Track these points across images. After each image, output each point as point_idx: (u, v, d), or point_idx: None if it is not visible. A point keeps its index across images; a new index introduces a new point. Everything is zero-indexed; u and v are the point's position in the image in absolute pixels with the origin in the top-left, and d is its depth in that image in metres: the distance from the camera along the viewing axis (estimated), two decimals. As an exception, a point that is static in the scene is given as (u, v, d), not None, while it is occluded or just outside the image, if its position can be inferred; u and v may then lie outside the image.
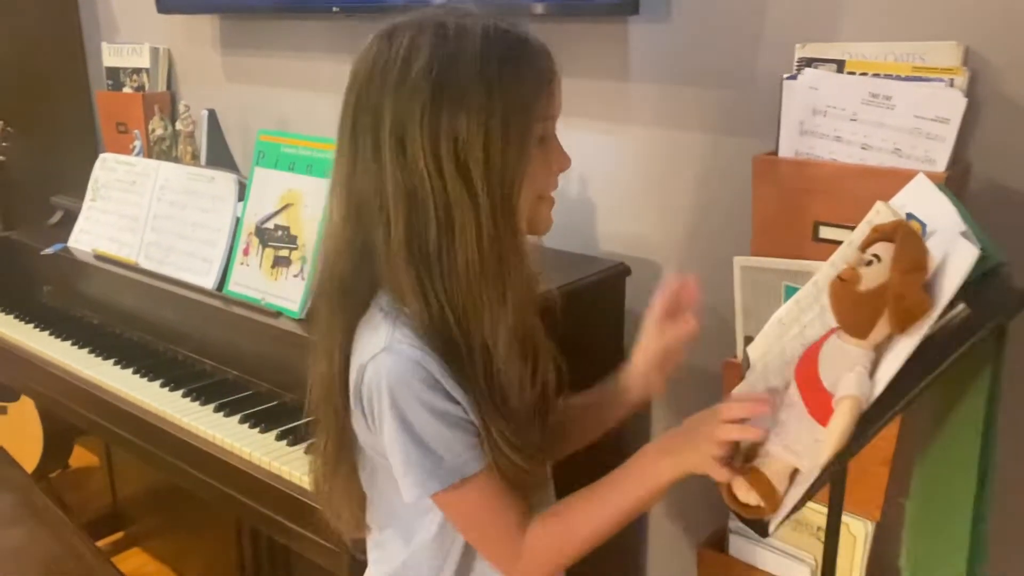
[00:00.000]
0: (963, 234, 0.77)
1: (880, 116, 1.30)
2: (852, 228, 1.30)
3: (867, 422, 0.73)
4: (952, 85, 1.24)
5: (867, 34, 1.37)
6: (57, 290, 2.13)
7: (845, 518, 1.37)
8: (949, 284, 0.71)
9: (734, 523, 1.50)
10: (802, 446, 0.77)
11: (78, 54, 3.01)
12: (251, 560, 2.09)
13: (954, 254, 0.73)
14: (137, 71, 2.70)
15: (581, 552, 0.92)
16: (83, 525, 2.53)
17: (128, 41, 2.72)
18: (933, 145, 1.26)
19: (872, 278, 0.74)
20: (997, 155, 1.30)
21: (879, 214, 1.06)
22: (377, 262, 0.86)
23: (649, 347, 1.06)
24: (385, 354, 0.84)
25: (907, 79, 1.28)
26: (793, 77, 1.35)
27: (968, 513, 0.86)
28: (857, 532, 1.37)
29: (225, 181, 1.77)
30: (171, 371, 1.72)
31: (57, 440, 2.62)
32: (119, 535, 2.57)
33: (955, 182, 1.25)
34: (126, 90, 2.71)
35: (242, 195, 1.73)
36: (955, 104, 1.23)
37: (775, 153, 1.38)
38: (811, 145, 1.35)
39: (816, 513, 1.38)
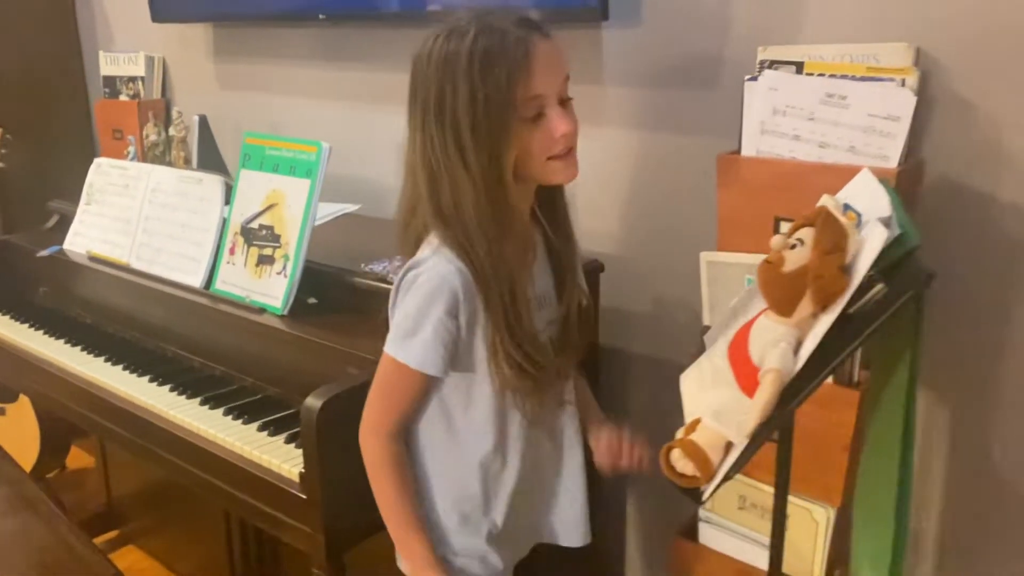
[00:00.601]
0: (881, 219, 0.82)
1: (836, 115, 1.34)
2: (811, 223, 1.37)
3: (792, 394, 0.78)
4: (904, 85, 1.29)
5: (826, 36, 1.42)
6: (52, 291, 2.19)
7: (806, 504, 1.42)
8: (863, 264, 0.76)
9: (704, 512, 1.54)
10: (732, 418, 0.82)
11: (76, 63, 3.08)
12: (240, 557, 2.14)
13: (870, 237, 0.78)
14: (133, 79, 2.76)
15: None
16: (79, 523, 2.61)
17: (124, 50, 2.78)
18: (886, 142, 1.30)
19: (795, 260, 0.79)
20: (948, 151, 1.35)
21: (824, 205, 1.11)
22: (421, 215, 1.10)
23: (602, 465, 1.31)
24: (433, 259, 1.08)
25: (861, 79, 1.33)
26: (754, 79, 1.40)
27: (892, 495, 0.91)
28: (819, 518, 1.41)
29: (212, 183, 1.82)
30: (160, 367, 1.77)
31: (54, 441, 2.66)
32: (114, 533, 2.62)
33: (908, 177, 1.30)
34: (122, 98, 2.77)
35: (229, 197, 1.78)
36: (906, 103, 1.27)
37: (738, 152, 1.43)
38: (772, 144, 1.40)
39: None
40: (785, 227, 1.41)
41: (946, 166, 1.36)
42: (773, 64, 1.43)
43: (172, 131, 2.37)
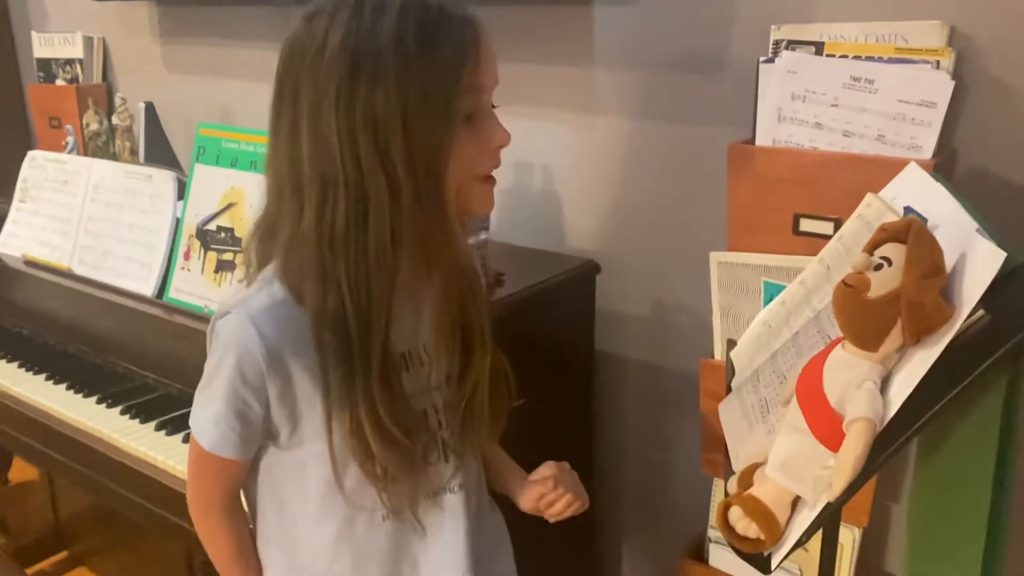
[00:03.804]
0: (979, 231, 0.69)
1: (862, 101, 1.23)
2: (834, 220, 1.25)
3: (880, 445, 0.65)
4: (937, 67, 1.18)
5: (845, 14, 1.30)
6: (-16, 299, 1.98)
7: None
8: (970, 290, 0.63)
9: (713, 532, 1.42)
10: (806, 471, 0.69)
11: (6, 44, 2.84)
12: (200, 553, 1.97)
13: (974, 255, 0.65)
14: (70, 62, 2.54)
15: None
16: (25, 546, 2.43)
17: (60, 30, 2.56)
18: (919, 131, 1.19)
19: (882, 284, 0.66)
20: (984, 141, 1.25)
21: (870, 207, 0.99)
22: (278, 241, 0.85)
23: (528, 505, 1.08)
24: (238, 312, 0.86)
25: (890, 61, 1.21)
26: (770, 60, 1.28)
27: (981, 525, 0.79)
28: (844, 540, 1.31)
29: (163, 179, 1.65)
30: (109, 386, 1.59)
31: (-7, 455, 2.47)
32: (62, 555, 2.43)
33: (941, 170, 1.19)
34: (59, 82, 2.55)
35: (182, 194, 1.61)
36: (942, 87, 1.16)
37: (752, 141, 1.31)
38: (790, 132, 1.29)
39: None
40: (806, 224, 1.31)
41: (981, 158, 1.25)
42: (790, 44, 1.30)
43: (116, 120, 2.16)
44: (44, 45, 2.58)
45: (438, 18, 0.79)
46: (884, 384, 0.68)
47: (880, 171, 1.06)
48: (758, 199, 1.30)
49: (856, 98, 1.23)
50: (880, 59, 1.23)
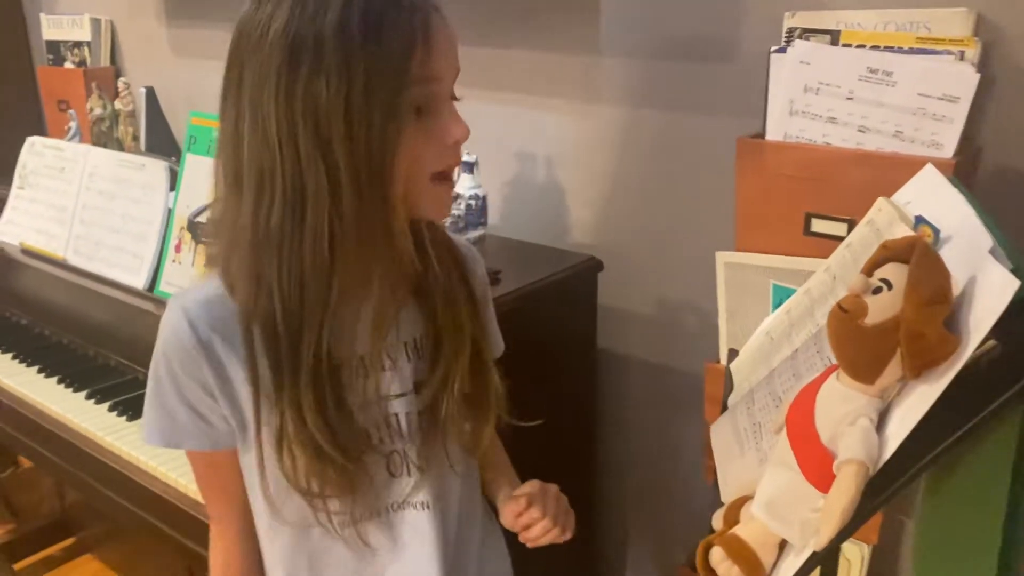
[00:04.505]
0: (992, 252, 0.62)
1: (879, 94, 1.15)
2: (847, 221, 1.18)
3: (874, 490, 0.58)
4: (962, 58, 1.10)
5: (864, 0, 1.21)
6: (-16, 287, 1.96)
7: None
8: (978, 320, 0.56)
9: (717, 543, 1.36)
10: (793, 513, 0.63)
11: (18, 26, 2.81)
12: (201, 569, 1.95)
13: (984, 281, 0.58)
14: (78, 44, 2.51)
15: None
16: (33, 531, 2.42)
17: (69, 12, 2.52)
18: (940, 127, 1.11)
19: (881, 310, 0.59)
20: (1011, 139, 1.16)
21: (881, 212, 0.91)
22: (221, 233, 0.81)
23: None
24: (173, 303, 0.83)
25: (910, 52, 1.13)
26: (782, 50, 1.20)
27: (994, 550, 0.72)
28: (853, 557, 1.25)
29: (156, 169, 1.60)
30: (99, 380, 1.57)
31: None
32: (70, 541, 2.43)
33: (963, 169, 1.12)
34: (67, 65, 2.52)
35: (175, 184, 1.56)
36: (966, 80, 1.08)
37: (761, 135, 1.24)
38: (802, 127, 1.21)
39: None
40: (817, 225, 1.24)
41: (1008, 157, 1.17)
42: (804, 33, 1.22)
43: (118, 104, 2.13)
44: (53, 27, 2.55)
45: (385, 2, 0.73)
46: (883, 419, 0.61)
47: (897, 170, 0.99)
48: (767, 197, 1.23)
49: (873, 91, 1.15)
50: (900, 49, 1.15)
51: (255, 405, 0.81)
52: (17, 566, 2.32)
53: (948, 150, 1.11)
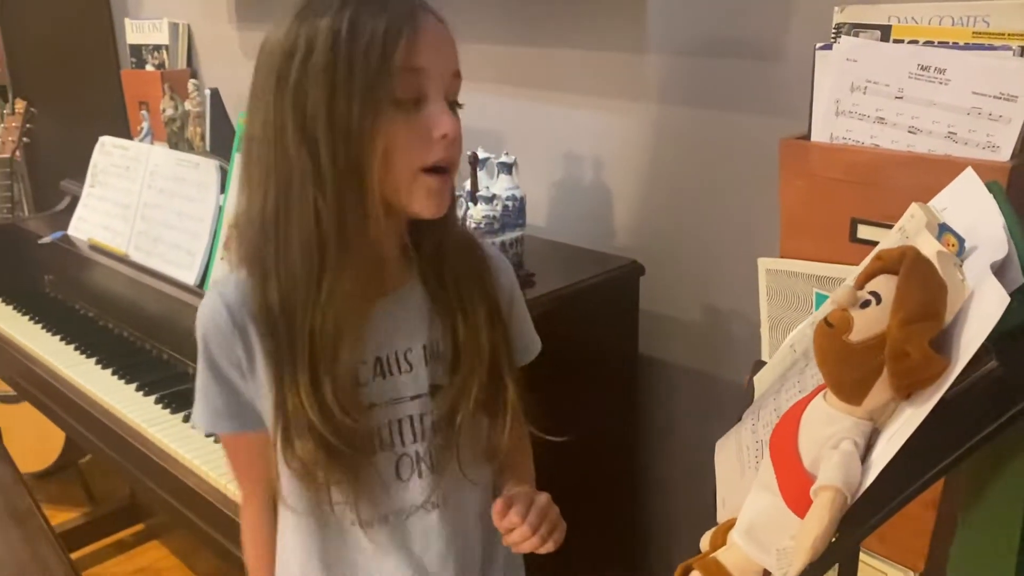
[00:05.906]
0: (1004, 264, 0.56)
1: (932, 93, 1.08)
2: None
3: (858, 520, 0.54)
4: (1021, 54, 1.02)
5: (919, -8, 1.14)
6: (58, 280, 2.05)
7: (884, 566, 1.18)
8: (969, 338, 0.51)
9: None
10: (771, 540, 0.58)
11: (107, 31, 2.92)
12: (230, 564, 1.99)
13: (980, 297, 0.53)
14: (158, 48, 2.60)
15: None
16: (105, 515, 2.52)
17: (151, 16, 2.62)
18: (996, 128, 1.04)
19: (867, 325, 0.54)
20: (1077, 140, 1.06)
21: (913, 219, 0.86)
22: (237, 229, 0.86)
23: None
24: (211, 290, 0.89)
25: (965, 47, 1.06)
26: (827, 47, 1.14)
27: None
28: (897, 584, 1.17)
29: (208, 168, 1.64)
30: (150, 373, 1.61)
31: (82, 427, 2.57)
32: (139, 527, 2.52)
33: (1021, 174, 1.03)
34: (148, 68, 2.62)
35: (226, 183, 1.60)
36: (1024, 78, 1.00)
37: (807, 136, 1.18)
38: (849, 128, 1.15)
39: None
40: (864, 231, 1.17)
41: (1073, 158, 1.07)
42: (854, 29, 1.16)
43: (188, 105, 2.19)
44: (135, 32, 2.65)
45: (372, 4, 0.76)
46: (871, 443, 0.56)
47: (949, 174, 0.92)
48: (812, 201, 1.17)
49: (924, 89, 1.08)
50: (954, 45, 1.07)
51: (273, 387, 0.84)
52: (88, 549, 2.42)
53: (1005, 152, 1.03)
